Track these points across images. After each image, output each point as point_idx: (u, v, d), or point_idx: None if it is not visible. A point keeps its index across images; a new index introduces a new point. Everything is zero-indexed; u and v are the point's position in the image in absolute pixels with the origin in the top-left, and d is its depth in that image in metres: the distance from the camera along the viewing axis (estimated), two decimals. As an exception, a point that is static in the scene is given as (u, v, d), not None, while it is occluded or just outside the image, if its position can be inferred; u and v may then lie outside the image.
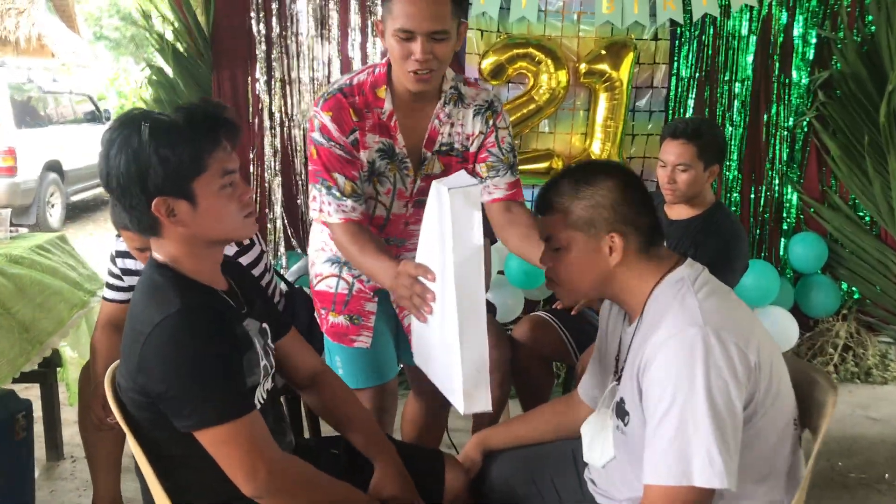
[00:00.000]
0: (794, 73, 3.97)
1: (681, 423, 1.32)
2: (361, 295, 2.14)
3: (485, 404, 1.53)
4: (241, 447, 1.38)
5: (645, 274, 1.50)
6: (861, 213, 4.09)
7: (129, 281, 2.47)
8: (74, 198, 9.60)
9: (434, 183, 1.63)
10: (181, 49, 3.64)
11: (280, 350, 1.69)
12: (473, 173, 2.02)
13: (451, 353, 1.52)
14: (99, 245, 7.33)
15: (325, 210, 1.92)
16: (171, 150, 1.35)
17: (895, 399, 3.77)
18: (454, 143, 2.00)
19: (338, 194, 1.89)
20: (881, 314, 4.10)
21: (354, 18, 3.71)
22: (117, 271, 2.38)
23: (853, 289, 4.14)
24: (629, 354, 1.51)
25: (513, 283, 3.73)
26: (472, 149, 2.02)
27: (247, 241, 2.45)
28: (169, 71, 3.69)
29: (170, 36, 3.65)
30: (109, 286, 2.40)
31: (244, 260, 2.41)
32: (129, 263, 2.43)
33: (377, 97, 1.90)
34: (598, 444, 1.62)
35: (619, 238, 1.47)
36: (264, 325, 1.60)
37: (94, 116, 10.47)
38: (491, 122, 2.02)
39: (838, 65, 3.94)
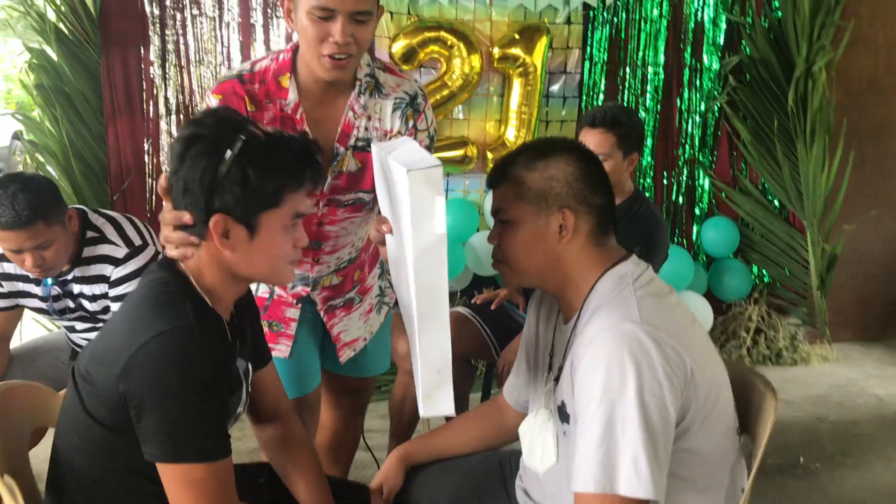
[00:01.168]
0: (706, 58, 3.98)
1: (608, 425, 1.22)
2: (282, 301, 1.98)
3: (446, 407, 1.39)
4: (210, 491, 1.23)
5: (590, 263, 1.41)
6: (770, 197, 4.14)
7: (9, 287, 2.27)
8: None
9: (377, 148, 1.47)
10: (65, 31, 3.35)
11: (254, 380, 1.57)
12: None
13: (415, 351, 1.40)
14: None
15: None
16: (257, 175, 1.25)
17: (805, 380, 3.83)
18: (371, 139, 1.80)
19: None
20: (790, 297, 4.17)
21: (256, -1, 3.50)
22: None
23: (763, 272, 4.20)
24: (567, 353, 1.42)
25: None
26: None
27: (139, 242, 2.27)
28: (54, 55, 3.39)
29: (52, 16, 3.35)
30: None
31: (134, 263, 2.22)
32: (8, 267, 2.26)
33: (280, 86, 1.72)
34: (538, 447, 1.51)
35: (571, 215, 1.38)
36: (248, 364, 1.50)
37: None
38: (411, 123, 1.83)
39: (748, 50, 3.96)
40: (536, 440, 1.50)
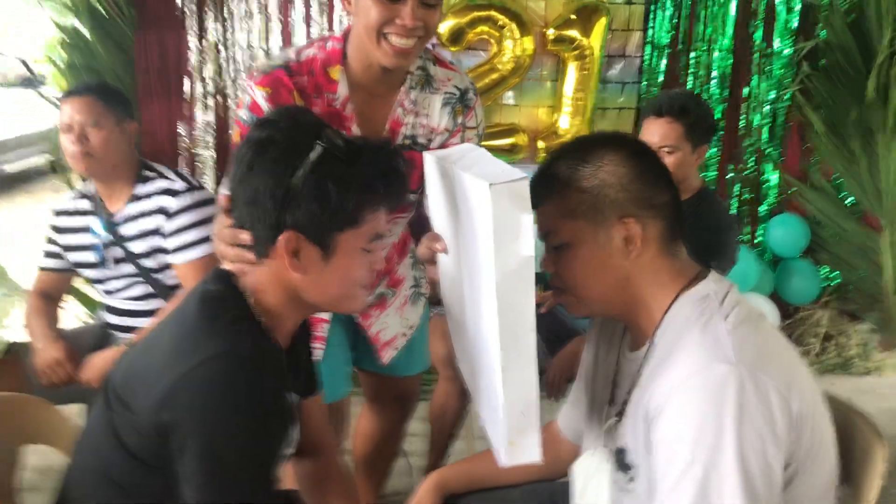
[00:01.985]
0: (777, 42, 3.68)
1: (701, 492, 1.01)
2: None
3: (532, 455, 1.19)
4: None
5: (663, 280, 1.19)
6: (843, 194, 3.84)
7: (68, 240, 2.33)
8: (8, 167, 9.01)
9: (433, 158, 1.29)
10: (98, 6, 3.20)
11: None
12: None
13: (492, 389, 1.19)
14: (29, 220, 6.82)
15: None
16: (337, 190, 1.11)
17: (879, 391, 3.56)
18: (417, 136, 1.67)
19: None
20: (863, 301, 3.88)
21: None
22: (55, 236, 2.33)
23: (834, 274, 3.91)
24: (634, 389, 1.20)
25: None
26: (434, 146, 1.69)
27: (196, 183, 2.29)
28: (87, 32, 3.25)
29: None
30: (47, 254, 2.36)
31: (193, 196, 2.23)
32: (61, 221, 2.34)
33: (329, 79, 1.58)
34: (591, 491, 1.31)
35: (636, 223, 1.16)
36: (299, 399, 1.35)
37: (29, 81, 9.82)
38: (459, 120, 1.70)
39: (823, 33, 3.66)
40: (590, 483, 1.29)
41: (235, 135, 1.61)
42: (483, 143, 3.43)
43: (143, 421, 1.07)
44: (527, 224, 1.06)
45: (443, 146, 1.69)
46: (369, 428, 2.17)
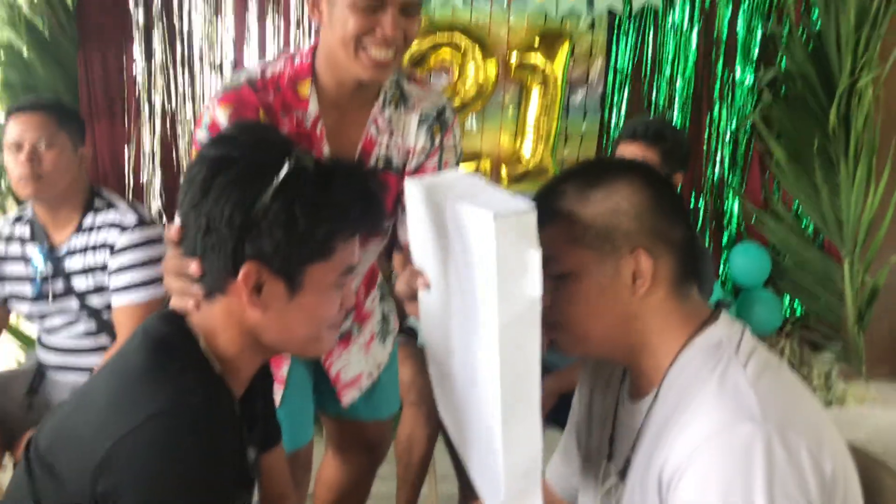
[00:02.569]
0: (739, 71, 3.67)
1: None
2: None
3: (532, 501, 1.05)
4: None
5: (672, 324, 1.07)
6: (805, 223, 3.83)
7: (1, 269, 2.13)
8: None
9: (418, 186, 1.16)
10: (37, 22, 3.02)
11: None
12: (396, 215, 1.59)
13: (489, 446, 1.05)
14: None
15: None
16: (306, 217, 0.97)
17: (843, 423, 3.51)
18: (392, 158, 1.56)
19: None
20: (824, 331, 3.86)
21: (252, -6, 3.18)
22: None
23: (796, 304, 3.89)
24: (639, 443, 1.08)
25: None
26: (410, 167, 1.59)
27: (149, 218, 2.10)
28: (24, 49, 3.06)
29: (24, 6, 3.02)
30: None
31: (142, 232, 2.06)
32: (2, 248, 2.13)
33: (298, 96, 1.46)
34: None
35: (647, 258, 1.04)
36: (256, 451, 1.17)
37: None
38: (437, 140, 1.58)
39: (784, 62, 3.66)
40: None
41: (193, 155, 1.46)
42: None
43: (74, 491, 0.92)
44: (534, 261, 0.93)
45: (420, 168, 1.58)
46: (333, 477, 2.01)
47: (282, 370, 1.70)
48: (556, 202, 1.09)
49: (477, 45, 3.21)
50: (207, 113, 1.44)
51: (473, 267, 1.00)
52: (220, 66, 3.20)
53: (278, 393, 1.70)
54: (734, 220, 3.83)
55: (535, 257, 0.93)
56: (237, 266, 0.97)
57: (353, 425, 1.90)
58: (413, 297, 1.23)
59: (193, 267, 0.99)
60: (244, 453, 1.05)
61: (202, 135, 1.45)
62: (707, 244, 3.80)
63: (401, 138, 1.56)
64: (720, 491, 0.90)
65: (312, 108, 1.46)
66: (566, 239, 1.07)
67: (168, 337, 1.01)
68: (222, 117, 1.41)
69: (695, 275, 1.11)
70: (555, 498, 1.37)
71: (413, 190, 1.21)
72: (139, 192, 3.22)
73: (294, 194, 0.96)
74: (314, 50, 1.47)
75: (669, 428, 1.00)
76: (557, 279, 1.08)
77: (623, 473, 1.11)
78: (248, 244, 0.96)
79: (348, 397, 1.82)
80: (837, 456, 0.97)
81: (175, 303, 1.05)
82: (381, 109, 1.52)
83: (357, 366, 1.81)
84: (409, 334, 2.52)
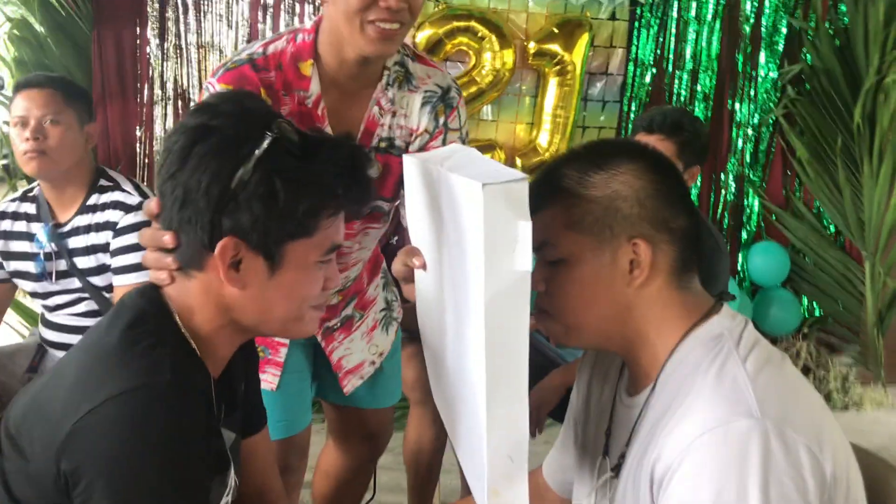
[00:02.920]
0: (762, 66, 3.59)
1: None
2: None
3: (518, 500, 1.00)
4: None
5: (671, 315, 1.02)
6: (826, 223, 3.75)
7: (7, 246, 2.11)
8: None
9: (414, 160, 1.13)
10: (53, 1, 3.00)
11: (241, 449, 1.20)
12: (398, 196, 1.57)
13: (475, 428, 1.02)
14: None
15: None
16: (287, 191, 0.92)
17: (859, 427, 3.44)
18: (395, 139, 1.51)
19: None
20: (843, 333, 3.78)
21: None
22: None
23: (814, 305, 3.81)
24: (634, 439, 1.04)
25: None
26: (412, 149, 1.53)
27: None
28: (38, 26, 3.05)
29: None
30: None
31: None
32: (8, 225, 2.10)
33: (300, 75, 1.41)
34: None
35: (647, 247, 1.00)
36: (237, 434, 1.13)
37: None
38: (441, 120, 1.52)
39: (809, 58, 3.58)
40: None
41: None
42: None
43: (40, 471, 0.89)
44: (525, 233, 0.89)
45: (423, 149, 1.53)
46: (333, 465, 1.97)
47: (280, 354, 1.66)
48: (555, 184, 1.05)
49: (494, 33, 3.16)
50: (208, 92, 1.39)
51: (464, 240, 0.96)
52: (235, 46, 3.17)
53: (276, 377, 1.67)
54: (754, 217, 3.75)
55: (525, 229, 0.88)
56: (214, 241, 0.93)
57: (354, 413, 1.87)
58: (409, 277, 1.19)
59: (167, 238, 0.96)
60: (217, 434, 1.02)
61: None
62: (725, 241, 3.73)
63: (404, 119, 1.51)
64: (713, 490, 0.86)
65: (314, 87, 1.42)
66: (564, 223, 1.03)
67: (142, 312, 0.97)
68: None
69: (697, 265, 1.06)
70: (550, 492, 1.33)
71: (410, 166, 1.17)
72: (151, 173, 3.21)
73: (275, 167, 0.92)
74: (317, 27, 1.43)
75: (664, 423, 0.96)
76: (552, 265, 1.04)
77: (618, 469, 1.07)
78: (226, 218, 0.92)
79: (350, 385, 1.78)
80: (839, 456, 0.92)
81: (151, 276, 1.01)
82: (384, 89, 1.48)
83: (359, 354, 1.78)
84: (414, 332, 2.48)
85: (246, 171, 0.90)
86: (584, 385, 1.25)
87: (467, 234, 0.94)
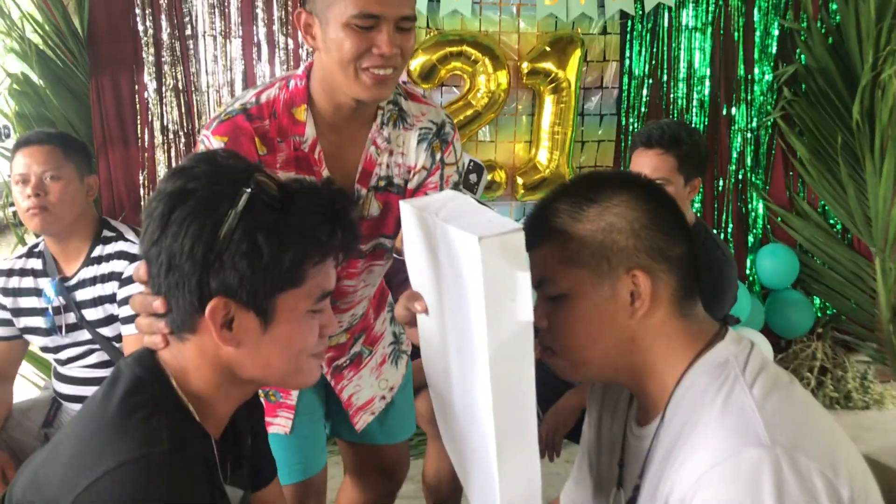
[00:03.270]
0: (757, 69, 3.59)
1: None
2: None
3: None
4: None
5: (676, 344, 1.02)
6: (832, 221, 3.73)
7: (16, 303, 2.12)
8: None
9: (411, 208, 1.14)
10: (49, 53, 3.03)
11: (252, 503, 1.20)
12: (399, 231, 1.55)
13: (487, 478, 1.02)
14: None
15: None
16: (270, 244, 0.92)
17: (883, 427, 3.40)
18: (393, 177, 1.52)
19: None
20: (857, 331, 3.75)
21: (262, 13, 3.17)
22: (1, 299, 2.10)
23: (826, 304, 3.78)
24: (647, 470, 1.03)
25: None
26: (412, 186, 1.55)
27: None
28: (37, 79, 3.08)
29: (36, 38, 3.04)
30: None
31: None
32: (11, 282, 2.12)
33: (295, 120, 1.43)
34: None
35: (646, 277, 1.00)
36: (246, 490, 1.12)
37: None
38: (438, 156, 1.54)
39: (804, 58, 3.58)
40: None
41: None
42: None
43: None
44: (524, 283, 0.90)
45: (422, 185, 1.55)
46: (351, 502, 1.97)
47: (291, 397, 1.66)
48: (549, 220, 1.05)
49: (487, 56, 3.16)
50: (203, 145, 1.40)
51: (464, 291, 0.97)
52: (232, 87, 3.19)
53: (289, 420, 1.66)
54: (759, 221, 3.74)
55: (524, 279, 0.89)
56: (204, 302, 0.93)
57: (369, 450, 1.86)
58: (412, 322, 1.19)
59: (157, 304, 0.96)
60: (222, 496, 1.01)
61: None
62: (732, 248, 3.72)
63: (401, 157, 1.53)
64: None
65: (309, 131, 1.43)
66: (561, 259, 1.03)
67: (138, 380, 0.96)
68: (218, 147, 1.37)
69: (699, 291, 1.06)
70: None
71: (407, 214, 1.18)
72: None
73: (255, 223, 0.92)
74: (308, 72, 1.44)
75: (675, 454, 0.95)
76: (553, 301, 1.04)
77: (633, 501, 1.06)
78: (213, 278, 0.92)
79: (361, 422, 1.78)
80: (856, 478, 0.91)
81: (145, 341, 1.01)
82: (380, 128, 1.49)
83: (369, 390, 1.78)
84: None
85: (227, 229, 0.90)
86: (595, 417, 1.24)
87: (467, 285, 0.95)
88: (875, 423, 3.43)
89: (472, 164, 2.94)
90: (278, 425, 1.66)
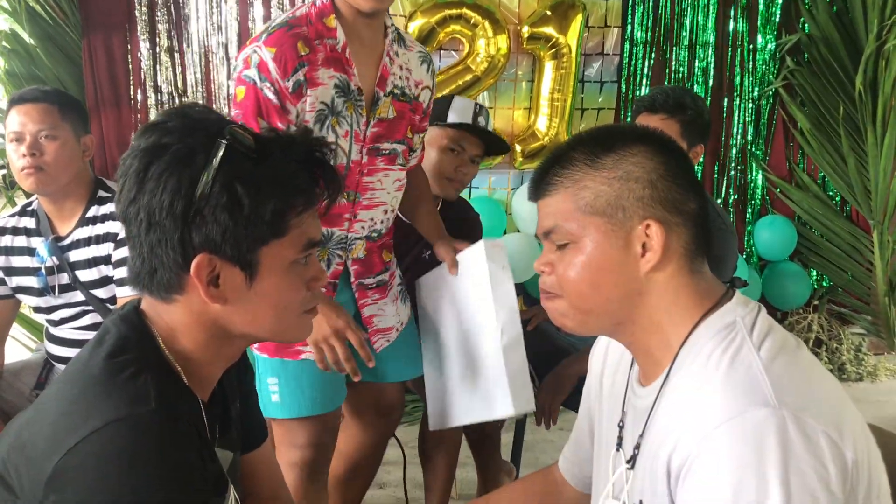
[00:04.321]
0: (760, 37, 3.54)
1: None
2: None
3: (530, 402, 1.61)
4: None
5: (683, 302, 1.00)
6: (831, 193, 3.71)
7: (9, 262, 2.08)
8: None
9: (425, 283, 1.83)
10: (40, 10, 2.96)
11: (242, 465, 1.18)
12: (408, 141, 1.82)
13: (488, 363, 1.64)
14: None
15: None
16: (249, 194, 0.90)
17: (875, 398, 3.42)
18: (405, 88, 1.77)
19: None
20: (853, 303, 3.75)
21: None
22: None
23: (823, 276, 3.78)
24: (646, 431, 1.02)
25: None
26: (422, 100, 1.82)
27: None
28: (27, 38, 3.01)
29: (26, -6, 2.97)
30: None
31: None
32: (4, 240, 2.08)
33: (327, 27, 1.63)
34: None
35: (660, 228, 0.97)
36: (236, 453, 1.11)
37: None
38: (433, 82, 1.85)
39: (807, 27, 3.53)
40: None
41: (238, 92, 1.56)
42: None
43: (22, 488, 0.87)
44: (508, 273, 1.67)
45: (429, 105, 1.85)
46: (349, 445, 1.99)
47: None
48: (564, 168, 1.03)
49: (487, 19, 3.11)
50: (255, 55, 1.54)
51: (470, 287, 1.71)
52: (226, 47, 3.14)
53: (309, 356, 1.67)
54: (758, 191, 3.71)
55: (508, 273, 1.66)
56: (188, 259, 0.91)
57: (373, 389, 1.89)
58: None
59: None
60: (212, 458, 0.99)
61: (251, 72, 1.54)
62: (731, 219, 3.70)
63: (408, 72, 1.76)
64: (732, 482, 0.84)
65: (340, 35, 1.62)
66: (575, 206, 1.01)
67: (124, 339, 0.94)
68: (268, 56, 1.54)
69: (708, 251, 1.04)
70: (567, 487, 1.31)
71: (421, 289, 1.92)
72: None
73: (233, 173, 0.89)
74: None
75: (679, 414, 0.93)
76: (560, 249, 1.02)
77: (632, 461, 1.04)
78: (195, 233, 0.90)
79: (379, 345, 1.85)
80: (860, 442, 0.90)
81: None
82: (391, 44, 1.71)
83: (391, 318, 1.87)
84: None
85: (206, 182, 0.88)
86: (597, 378, 1.23)
87: (475, 280, 1.69)
88: (867, 395, 3.45)
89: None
90: (309, 352, 1.66)
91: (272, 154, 0.92)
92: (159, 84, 3.14)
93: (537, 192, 1.07)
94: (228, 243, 0.91)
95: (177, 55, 3.14)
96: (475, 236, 2.21)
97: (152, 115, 3.14)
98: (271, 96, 1.54)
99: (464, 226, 2.25)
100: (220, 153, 0.89)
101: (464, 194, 2.60)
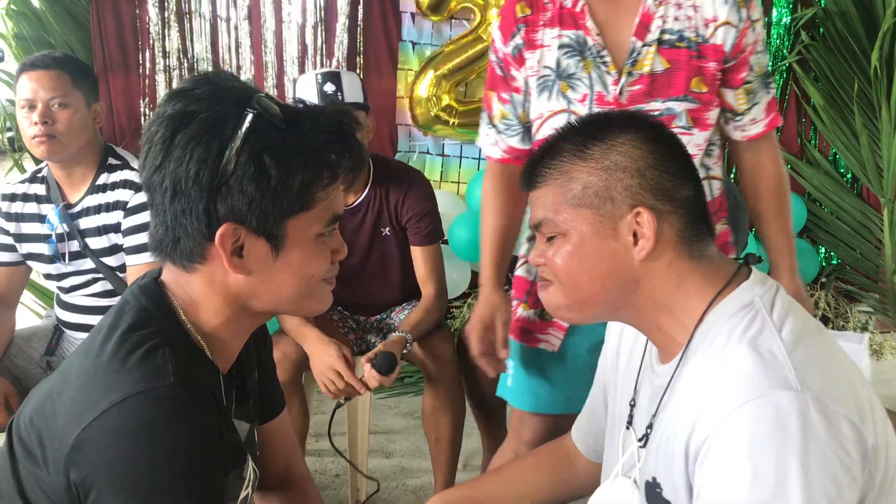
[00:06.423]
0: (775, 11, 3.50)
1: None
2: None
3: None
4: None
5: (692, 286, 1.00)
6: (842, 170, 3.69)
7: (19, 228, 2.08)
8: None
9: None
10: (48, -28, 2.94)
11: (259, 436, 1.18)
12: (696, 97, 1.46)
13: None
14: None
15: (482, 144, 1.68)
16: (278, 165, 0.89)
17: (881, 377, 3.42)
18: (683, 31, 1.42)
19: (487, 122, 1.64)
20: (861, 281, 3.74)
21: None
22: (4, 224, 2.09)
23: (832, 254, 3.76)
24: (660, 409, 1.02)
25: (458, 254, 3.22)
26: (716, 41, 1.43)
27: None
28: (35, 0, 2.99)
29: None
30: None
31: None
32: (15, 206, 2.09)
33: None
34: None
35: (650, 216, 0.97)
36: (253, 424, 1.10)
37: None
38: (745, 13, 1.42)
39: (823, 1, 3.49)
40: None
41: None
42: (466, 119, 3.20)
43: (51, 478, 0.87)
44: None
45: (735, 46, 1.43)
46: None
47: None
48: (553, 160, 1.03)
49: (500, -12, 3.09)
50: (505, 15, 1.53)
51: None
52: (235, 16, 3.11)
53: (558, 339, 1.61)
54: (768, 167, 3.69)
55: None
56: (213, 229, 0.90)
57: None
58: None
59: None
60: (231, 430, 1.00)
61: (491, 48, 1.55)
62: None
63: (692, 9, 1.41)
64: (751, 464, 0.84)
65: None
66: (564, 199, 1.01)
67: (145, 312, 0.94)
68: (496, 25, 1.55)
69: (712, 234, 1.03)
70: (580, 458, 1.32)
71: None
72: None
73: (261, 144, 0.89)
74: None
75: (698, 394, 0.93)
76: (551, 241, 1.03)
77: (644, 439, 1.05)
78: (221, 203, 0.89)
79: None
80: (879, 427, 0.91)
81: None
82: None
83: None
84: None
85: (233, 151, 0.87)
86: (613, 351, 1.23)
87: None
88: (874, 374, 3.44)
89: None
90: (547, 342, 1.62)
91: (301, 125, 0.91)
92: (168, 49, 3.12)
93: (528, 184, 1.07)
94: (254, 214, 0.90)
95: (186, 20, 3.11)
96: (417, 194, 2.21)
97: (160, 81, 3.12)
98: (497, 69, 1.55)
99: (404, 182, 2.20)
100: (248, 123, 0.88)
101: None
